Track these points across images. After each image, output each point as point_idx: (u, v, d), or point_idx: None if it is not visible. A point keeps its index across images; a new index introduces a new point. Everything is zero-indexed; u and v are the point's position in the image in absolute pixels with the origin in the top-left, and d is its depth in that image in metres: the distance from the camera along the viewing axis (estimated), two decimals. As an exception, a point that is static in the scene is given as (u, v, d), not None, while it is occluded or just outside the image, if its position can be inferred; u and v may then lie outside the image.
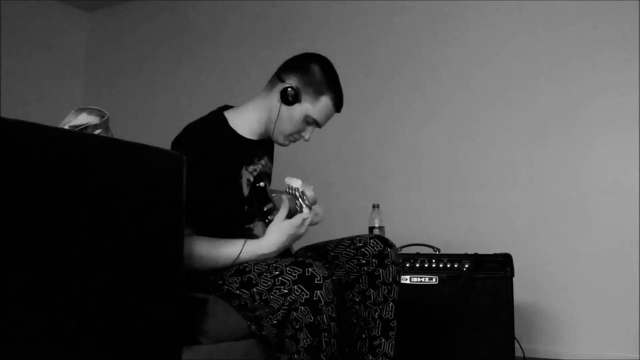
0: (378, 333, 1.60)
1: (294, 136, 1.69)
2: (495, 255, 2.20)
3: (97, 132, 1.39)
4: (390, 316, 1.63)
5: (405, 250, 2.45)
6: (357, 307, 1.63)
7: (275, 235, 1.55)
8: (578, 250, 2.63)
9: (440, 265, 2.23)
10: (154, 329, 1.22)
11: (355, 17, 3.34)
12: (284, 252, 1.71)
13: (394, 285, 1.63)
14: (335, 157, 3.31)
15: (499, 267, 2.16)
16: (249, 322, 1.50)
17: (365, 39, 3.30)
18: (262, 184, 1.64)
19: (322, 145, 3.35)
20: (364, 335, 1.60)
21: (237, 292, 1.48)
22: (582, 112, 2.71)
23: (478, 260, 2.19)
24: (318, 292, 1.37)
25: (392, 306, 1.63)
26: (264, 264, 1.48)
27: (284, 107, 1.63)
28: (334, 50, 3.39)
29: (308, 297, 1.37)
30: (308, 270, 1.39)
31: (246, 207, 1.68)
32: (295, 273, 1.39)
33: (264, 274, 1.45)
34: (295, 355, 1.39)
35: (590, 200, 2.64)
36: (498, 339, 2.10)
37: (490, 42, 2.96)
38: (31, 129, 1.04)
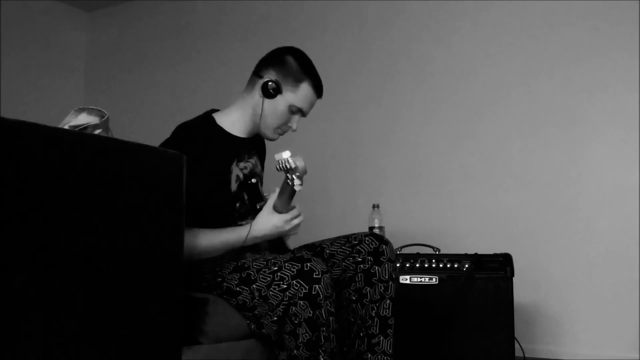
0: (376, 331, 1.60)
1: (282, 128, 1.73)
2: (495, 255, 2.20)
3: (97, 132, 1.39)
4: (388, 313, 1.63)
5: (405, 250, 2.45)
6: (354, 305, 1.63)
7: (262, 226, 1.59)
8: (578, 250, 2.63)
9: (440, 265, 2.22)
10: (154, 329, 1.22)
11: (355, 17, 3.34)
12: (282, 250, 1.71)
13: (391, 282, 1.63)
14: (335, 158, 3.31)
15: (499, 267, 2.16)
16: (248, 322, 1.50)
17: (364, 39, 3.30)
18: (253, 180, 1.66)
19: (322, 145, 3.35)
20: (362, 334, 1.60)
21: (237, 289, 1.49)
22: (582, 112, 2.71)
23: (478, 260, 2.19)
24: (317, 286, 1.38)
25: (389, 303, 1.63)
26: (262, 260, 1.49)
27: (267, 101, 1.68)
28: (333, 51, 3.41)
29: (307, 291, 1.38)
30: (307, 265, 1.41)
31: (238, 205, 1.69)
32: (294, 268, 1.40)
33: (263, 270, 1.46)
34: (295, 351, 1.40)
35: (590, 200, 2.64)
36: (498, 339, 2.10)
37: (490, 41, 2.96)
38: (31, 129, 1.04)
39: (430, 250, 2.42)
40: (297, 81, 1.68)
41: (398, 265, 2.25)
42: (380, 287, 1.62)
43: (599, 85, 2.68)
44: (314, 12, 3.45)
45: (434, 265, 2.23)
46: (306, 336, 1.39)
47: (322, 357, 1.39)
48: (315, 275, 1.39)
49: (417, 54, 3.14)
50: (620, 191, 2.58)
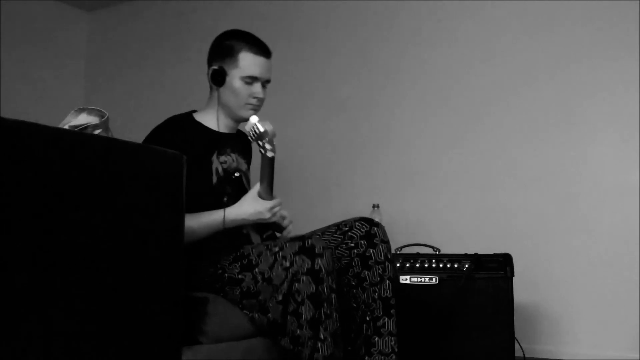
0: (380, 313, 1.62)
1: (250, 102, 1.76)
2: (495, 255, 2.20)
3: (97, 132, 1.39)
4: (389, 294, 1.65)
5: (405, 250, 2.45)
6: (355, 291, 1.64)
7: (246, 208, 1.62)
8: (578, 250, 2.63)
9: (440, 265, 2.23)
10: (154, 329, 1.22)
11: (355, 17, 3.34)
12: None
13: (387, 262, 1.65)
14: (335, 158, 3.31)
15: (499, 267, 2.16)
16: (251, 313, 1.50)
17: (364, 39, 3.30)
18: (237, 174, 1.68)
19: (322, 145, 3.35)
20: (367, 318, 1.63)
21: (239, 276, 1.50)
22: (582, 112, 2.71)
23: (478, 260, 2.19)
24: (319, 260, 1.40)
25: (388, 284, 1.65)
26: (262, 246, 1.50)
27: (221, 89, 1.75)
28: (333, 51, 3.41)
29: (310, 266, 1.39)
30: (308, 242, 1.42)
31: (226, 199, 1.70)
32: (295, 246, 1.42)
33: (264, 253, 1.47)
34: (298, 331, 1.40)
35: (590, 200, 2.64)
36: (498, 339, 2.10)
37: (490, 41, 2.95)
38: (31, 129, 1.04)
39: (430, 250, 2.42)
40: (234, 56, 1.74)
41: (398, 265, 2.25)
42: (378, 269, 1.64)
43: (599, 85, 2.68)
44: (313, 12, 3.45)
45: (434, 265, 2.23)
46: (309, 313, 1.39)
47: (323, 334, 1.38)
48: (317, 250, 1.41)
49: (417, 54, 3.14)
50: (620, 191, 2.58)
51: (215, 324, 1.47)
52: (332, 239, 1.67)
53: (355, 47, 3.32)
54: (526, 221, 2.75)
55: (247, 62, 1.73)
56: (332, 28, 3.40)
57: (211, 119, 1.79)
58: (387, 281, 1.65)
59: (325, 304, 1.40)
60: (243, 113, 1.76)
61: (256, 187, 1.63)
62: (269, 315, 1.46)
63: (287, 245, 1.44)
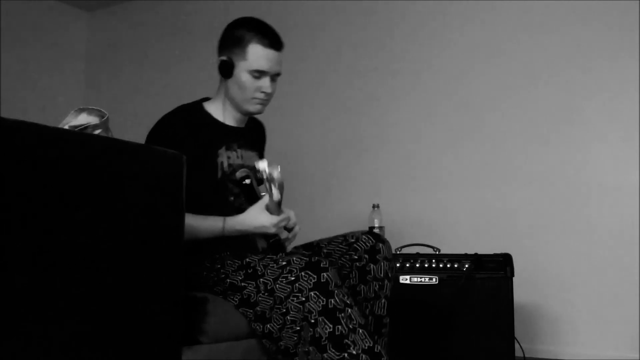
0: (371, 329, 1.59)
1: (257, 96, 1.69)
2: (495, 255, 2.20)
3: (97, 132, 1.39)
4: (383, 312, 1.61)
5: (405, 250, 2.45)
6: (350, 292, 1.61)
7: (251, 221, 1.58)
8: (578, 250, 2.63)
9: (440, 265, 2.22)
10: (154, 329, 1.22)
11: (355, 17, 3.34)
12: (279, 251, 1.71)
13: (386, 281, 1.62)
14: (335, 158, 3.31)
15: (499, 267, 2.16)
16: (248, 319, 1.49)
17: (364, 39, 3.30)
18: (247, 181, 1.65)
19: (322, 145, 3.35)
20: None
21: (242, 284, 1.48)
22: (582, 112, 2.71)
23: (478, 260, 2.19)
24: (325, 274, 1.36)
25: (384, 302, 1.61)
26: (269, 259, 1.48)
27: (229, 80, 1.69)
28: (333, 51, 3.41)
29: (316, 280, 1.35)
30: (314, 258, 1.40)
31: (232, 198, 1.67)
32: (302, 262, 1.40)
33: (271, 265, 1.45)
34: (325, 355, 1.32)
35: (590, 201, 2.64)
36: (498, 339, 2.10)
37: (490, 42, 2.95)
38: (31, 129, 1.04)
39: (430, 250, 2.42)
40: (243, 47, 1.66)
41: (398, 265, 2.25)
42: (375, 286, 1.60)
43: (599, 85, 2.68)
44: (313, 12, 3.45)
45: (434, 265, 2.23)
46: (327, 329, 1.33)
47: (354, 350, 1.31)
48: (323, 265, 1.38)
49: (417, 54, 3.14)
50: (620, 191, 2.58)
51: (215, 323, 1.47)
52: (337, 249, 1.65)
53: (356, 47, 3.32)
54: (526, 221, 2.75)
55: (256, 55, 1.65)
56: (333, 28, 3.40)
57: (219, 111, 1.75)
58: (383, 299, 1.61)
59: (342, 315, 1.33)
60: (249, 107, 1.71)
61: (265, 200, 1.59)
62: (268, 325, 1.44)
63: (294, 260, 1.42)
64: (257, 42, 1.65)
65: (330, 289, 1.35)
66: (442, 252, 2.39)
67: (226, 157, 1.70)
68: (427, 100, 3.08)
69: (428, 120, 3.07)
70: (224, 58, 1.68)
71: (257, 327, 1.47)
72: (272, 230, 1.58)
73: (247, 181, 1.64)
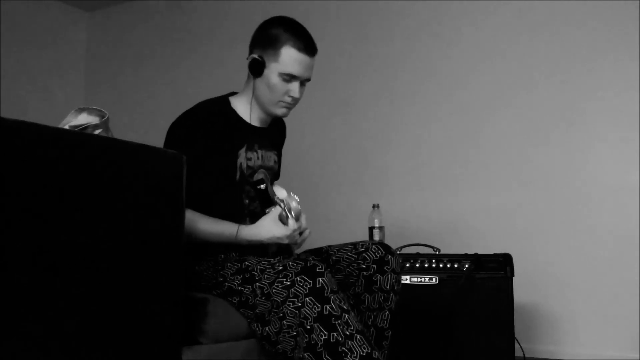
0: (372, 341, 1.58)
1: (284, 100, 1.66)
2: (495, 255, 2.20)
3: (97, 132, 1.39)
4: (385, 325, 1.60)
5: (405, 250, 2.45)
6: (347, 296, 1.60)
7: (263, 232, 1.56)
8: (578, 250, 2.63)
9: (440, 265, 2.22)
10: (154, 329, 1.22)
11: (355, 17, 3.34)
12: (288, 254, 1.70)
13: (392, 294, 1.60)
14: (336, 157, 3.31)
15: (499, 267, 2.16)
16: (248, 320, 1.50)
17: (365, 39, 3.30)
18: (262, 186, 1.63)
19: (322, 145, 3.35)
20: None
21: (239, 288, 1.48)
22: (582, 112, 2.71)
23: (478, 260, 2.19)
24: (320, 279, 1.35)
25: (387, 315, 1.60)
26: (266, 262, 1.48)
27: (259, 80, 1.64)
28: (334, 51, 3.41)
29: (311, 285, 1.34)
30: (310, 262, 1.39)
31: (247, 201, 1.67)
32: (298, 267, 1.39)
33: (267, 270, 1.44)
34: None
35: (590, 201, 2.64)
36: (498, 339, 2.10)
37: (490, 42, 2.96)
38: (31, 129, 1.04)
39: (430, 250, 2.42)
40: (276, 48, 1.61)
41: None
42: (380, 297, 1.59)
43: (599, 85, 2.68)
44: (314, 12, 3.45)
45: (434, 265, 2.23)
46: (322, 336, 1.31)
47: (350, 357, 1.29)
48: (318, 269, 1.37)
49: (418, 54, 3.14)
50: (620, 191, 2.58)
51: (215, 324, 1.47)
52: (346, 257, 1.64)
53: (356, 47, 3.32)
54: (526, 221, 2.75)
55: (289, 59, 1.60)
56: (333, 28, 3.40)
57: (245, 108, 1.71)
58: (387, 312, 1.59)
59: (338, 322, 1.31)
60: (275, 110, 1.68)
61: (278, 210, 1.58)
62: (266, 328, 1.44)
63: (290, 264, 1.41)
64: (292, 45, 1.61)
65: (325, 294, 1.33)
66: (442, 252, 2.39)
67: (246, 159, 1.67)
68: (428, 100, 3.08)
69: (428, 120, 3.07)
70: (255, 56, 1.63)
71: (257, 328, 1.47)
72: (286, 241, 1.56)
73: (262, 186, 1.63)
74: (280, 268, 1.42)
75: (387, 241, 2.40)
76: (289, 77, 1.62)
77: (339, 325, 1.32)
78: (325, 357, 1.31)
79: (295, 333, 1.37)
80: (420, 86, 3.11)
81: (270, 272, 1.43)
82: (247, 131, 1.70)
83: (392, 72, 3.19)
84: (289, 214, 1.56)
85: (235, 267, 1.53)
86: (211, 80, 3.75)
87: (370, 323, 1.59)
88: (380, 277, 1.59)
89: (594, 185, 2.64)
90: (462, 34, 3.03)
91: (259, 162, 1.72)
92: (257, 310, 1.45)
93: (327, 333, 1.31)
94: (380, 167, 3.16)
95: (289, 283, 1.37)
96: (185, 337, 1.33)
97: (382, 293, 1.59)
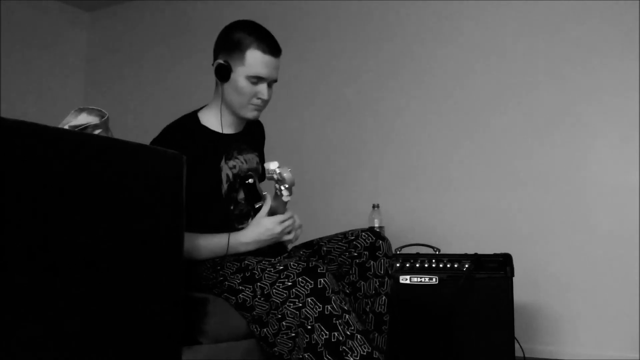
0: (371, 327, 1.59)
1: (254, 102, 1.67)
2: (495, 255, 2.20)
3: (97, 132, 1.39)
4: (383, 310, 1.61)
5: (405, 250, 2.45)
6: (348, 299, 1.61)
7: (254, 229, 1.58)
8: (578, 250, 2.63)
9: (440, 265, 2.22)
10: (154, 329, 1.22)
11: (355, 17, 3.34)
12: (281, 251, 1.71)
13: (386, 278, 1.61)
14: (335, 157, 3.31)
15: (499, 267, 2.16)
16: (247, 320, 1.50)
17: (365, 40, 3.30)
18: (250, 180, 1.64)
19: (322, 145, 3.35)
20: None
21: (239, 287, 1.48)
22: (582, 112, 2.71)
23: (478, 260, 2.19)
24: (322, 280, 1.35)
25: (384, 300, 1.61)
26: (267, 262, 1.48)
27: (226, 84, 1.67)
28: (333, 51, 3.41)
29: (313, 286, 1.34)
30: (312, 263, 1.40)
31: (232, 207, 1.67)
32: (299, 267, 1.39)
33: (268, 269, 1.44)
34: None
35: (590, 201, 2.64)
36: (498, 339, 2.10)
37: (490, 42, 2.95)
38: (31, 129, 1.04)
39: (430, 250, 2.42)
40: (241, 51, 1.63)
41: (398, 265, 2.25)
42: (375, 282, 1.60)
43: (599, 85, 2.68)
44: (314, 12, 3.45)
45: (434, 265, 2.23)
46: (323, 336, 1.31)
47: (351, 356, 1.30)
48: (320, 270, 1.37)
49: (417, 54, 3.14)
50: (620, 191, 2.58)
51: (215, 324, 1.47)
52: (336, 247, 1.65)
53: (356, 48, 3.32)
54: (526, 221, 2.75)
55: (255, 61, 1.62)
56: (334, 29, 3.40)
57: (215, 119, 1.72)
58: (384, 296, 1.60)
59: (338, 320, 1.31)
60: (246, 113, 1.69)
61: (265, 209, 1.60)
62: (264, 329, 1.44)
63: (292, 264, 1.42)
64: (256, 47, 1.63)
65: (327, 295, 1.34)
66: (442, 252, 2.39)
67: (229, 168, 1.69)
68: (428, 100, 3.08)
69: (428, 120, 3.07)
70: (221, 61, 1.67)
71: (255, 328, 1.47)
72: (278, 230, 1.58)
73: (250, 181, 1.63)
74: (281, 268, 1.42)
75: (387, 241, 2.40)
76: (256, 80, 1.64)
77: (340, 325, 1.32)
78: (325, 356, 1.31)
79: (294, 334, 1.37)
80: (420, 86, 3.11)
81: (271, 271, 1.43)
82: (222, 142, 1.71)
83: (392, 72, 3.19)
84: (281, 186, 1.55)
85: (235, 266, 1.53)
86: (211, 81, 3.74)
87: (368, 309, 1.60)
88: (373, 263, 1.60)
89: (594, 185, 2.64)
90: (462, 34, 3.03)
91: (245, 166, 1.73)
92: (255, 312, 1.45)
93: (328, 333, 1.31)
94: (380, 167, 3.16)
95: (290, 283, 1.37)
96: (185, 337, 1.33)
97: (377, 278, 1.60)
